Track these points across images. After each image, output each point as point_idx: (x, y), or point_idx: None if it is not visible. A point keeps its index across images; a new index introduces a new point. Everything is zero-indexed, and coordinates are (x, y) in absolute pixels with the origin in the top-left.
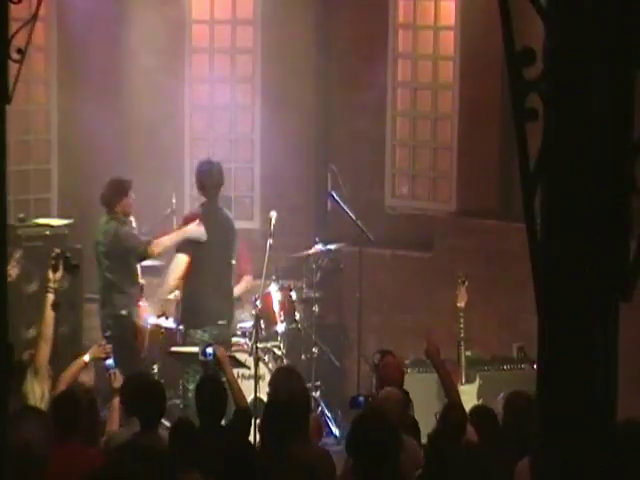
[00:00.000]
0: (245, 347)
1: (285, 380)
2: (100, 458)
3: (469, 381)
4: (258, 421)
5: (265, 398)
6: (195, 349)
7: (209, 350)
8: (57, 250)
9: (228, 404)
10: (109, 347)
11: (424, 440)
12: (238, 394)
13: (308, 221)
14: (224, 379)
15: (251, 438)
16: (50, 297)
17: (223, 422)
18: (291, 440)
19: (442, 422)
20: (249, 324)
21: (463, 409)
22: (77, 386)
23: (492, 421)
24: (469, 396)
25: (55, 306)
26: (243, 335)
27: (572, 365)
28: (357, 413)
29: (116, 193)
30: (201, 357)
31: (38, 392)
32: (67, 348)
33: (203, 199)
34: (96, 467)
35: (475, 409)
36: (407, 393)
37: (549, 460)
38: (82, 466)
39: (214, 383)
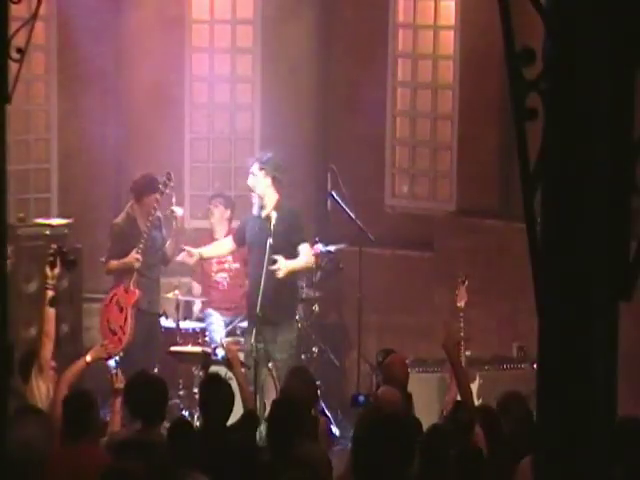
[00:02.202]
0: (244, 347)
1: (295, 380)
2: (107, 458)
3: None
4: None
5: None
6: (195, 349)
7: (220, 351)
8: (54, 246)
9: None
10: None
11: None
12: (246, 395)
13: (308, 221)
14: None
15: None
16: (49, 293)
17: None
18: (295, 439)
19: (451, 419)
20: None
21: (475, 408)
22: (86, 386)
23: (496, 422)
24: None
25: (53, 302)
26: (242, 334)
27: (572, 365)
28: (360, 411)
29: (147, 187)
30: (213, 356)
31: (43, 389)
32: (67, 347)
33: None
34: (103, 465)
35: (478, 409)
36: (410, 395)
37: (549, 460)
38: (91, 466)
39: (219, 383)
